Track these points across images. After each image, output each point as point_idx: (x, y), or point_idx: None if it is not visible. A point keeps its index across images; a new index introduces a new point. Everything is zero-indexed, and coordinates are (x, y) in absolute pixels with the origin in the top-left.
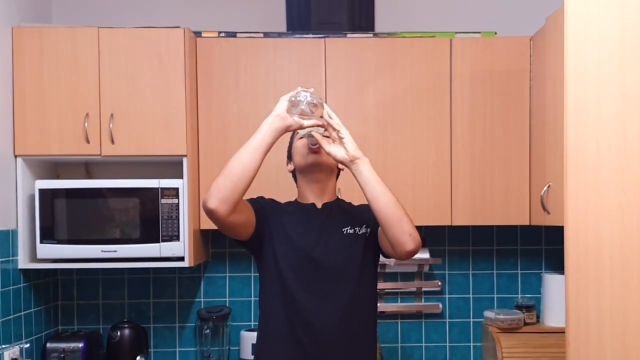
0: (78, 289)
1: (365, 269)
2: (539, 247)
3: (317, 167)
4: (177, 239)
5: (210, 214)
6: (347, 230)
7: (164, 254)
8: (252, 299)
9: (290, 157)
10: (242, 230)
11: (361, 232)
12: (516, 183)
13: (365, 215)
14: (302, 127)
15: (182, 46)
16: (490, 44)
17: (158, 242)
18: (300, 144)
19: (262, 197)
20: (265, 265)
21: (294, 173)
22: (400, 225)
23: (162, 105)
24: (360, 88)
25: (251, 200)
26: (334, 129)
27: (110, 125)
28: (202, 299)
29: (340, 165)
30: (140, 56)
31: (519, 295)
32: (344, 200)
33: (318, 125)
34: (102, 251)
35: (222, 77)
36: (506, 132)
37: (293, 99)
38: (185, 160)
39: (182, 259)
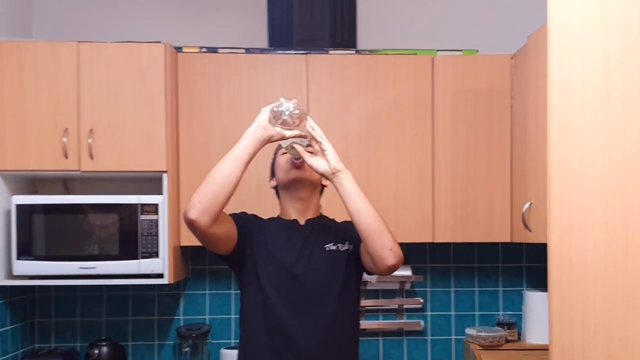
0: (55, 306)
1: (348, 286)
2: (520, 264)
3: (300, 182)
4: (157, 255)
5: (191, 224)
6: (329, 246)
7: (143, 271)
8: (233, 316)
9: (273, 174)
10: (223, 244)
11: (343, 248)
12: (498, 200)
13: (348, 231)
14: (284, 138)
15: (163, 61)
16: (472, 61)
17: (137, 258)
18: (282, 160)
19: (244, 213)
20: (246, 280)
21: (276, 189)
22: (381, 239)
23: (142, 120)
24: (343, 104)
25: (233, 215)
26: (317, 141)
27: (90, 140)
28: (181, 317)
29: (324, 181)
30: (121, 71)
31: (501, 313)
32: (327, 217)
33: (300, 136)
34: (80, 268)
35: (204, 92)
36: (488, 149)
37: (275, 109)
38: (165, 176)
39: (161, 275)
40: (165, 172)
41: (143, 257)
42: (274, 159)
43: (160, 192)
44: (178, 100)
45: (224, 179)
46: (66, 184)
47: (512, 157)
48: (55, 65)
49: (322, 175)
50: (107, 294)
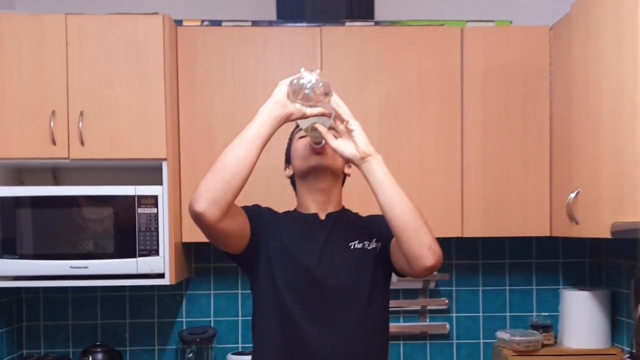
0: (45, 309)
1: (376, 290)
2: (556, 260)
3: (321, 171)
4: (156, 253)
5: (198, 218)
6: (354, 244)
7: (141, 271)
8: (240, 318)
9: (288, 161)
10: (235, 241)
11: (371, 246)
12: (535, 189)
13: (375, 227)
14: (304, 116)
15: (161, 36)
16: (505, 34)
17: (134, 257)
18: (300, 145)
19: (257, 205)
20: (260, 284)
21: (292, 179)
22: (418, 236)
23: (138, 102)
24: (361, 84)
25: (245, 207)
26: (342, 120)
27: (80, 124)
28: (184, 319)
29: (346, 170)
30: (114, 47)
31: (534, 314)
32: (350, 211)
33: (323, 115)
34: (70, 267)
35: (206, 70)
36: (524, 132)
37: (295, 82)
38: (165, 164)
39: (161, 275)
40: (165, 159)
41: (141, 256)
42: (290, 144)
43: (159, 183)
44: (178, 79)
45: (236, 165)
46: (55, 174)
47: (552, 140)
48: (40, 40)
49: (349, 160)
50: (101, 295)
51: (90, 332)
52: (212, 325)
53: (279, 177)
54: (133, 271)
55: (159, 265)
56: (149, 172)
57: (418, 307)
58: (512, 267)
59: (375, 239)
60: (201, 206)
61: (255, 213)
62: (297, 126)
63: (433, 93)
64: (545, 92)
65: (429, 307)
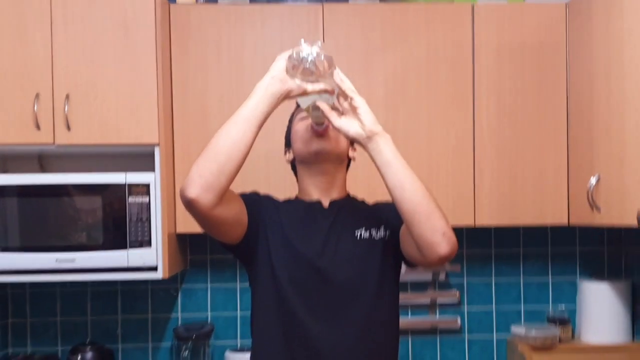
0: (31, 305)
1: (385, 281)
2: (573, 248)
3: (324, 155)
4: (148, 245)
5: (190, 205)
6: (361, 233)
7: (133, 264)
8: (239, 313)
9: (288, 144)
10: (231, 230)
11: (379, 235)
12: (552, 175)
13: (383, 214)
14: (305, 93)
15: (153, 13)
16: (519, 11)
17: (125, 249)
18: (301, 127)
19: (255, 192)
20: (259, 277)
21: (293, 164)
22: (430, 222)
23: (128, 84)
24: (366, 63)
25: (243, 194)
26: (347, 97)
27: (66, 108)
28: (179, 315)
29: (351, 154)
30: (102, 25)
31: (551, 307)
32: (355, 197)
33: (325, 92)
34: (56, 260)
35: (201, 51)
36: (539, 113)
37: (294, 55)
38: (157, 150)
39: (154, 269)
40: (157, 145)
41: (132, 247)
42: (290, 126)
43: (151, 170)
44: (171, 60)
45: (231, 147)
46: (42, 161)
47: (569, 123)
48: (22, 18)
49: (354, 140)
50: (91, 290)
51: (80, 329)
52: (209, 320)
53: (280, 162)
54: (123, 264)
55: (151, 258)
56: (141, 158)
57: (427, 301)
58: (526, 257)
59: (383, 227)
60: (193, 192)
61: (253, 200)
62: (298, 106)
63: (442, 73)
64: (562, 72)
65: (439, 301)
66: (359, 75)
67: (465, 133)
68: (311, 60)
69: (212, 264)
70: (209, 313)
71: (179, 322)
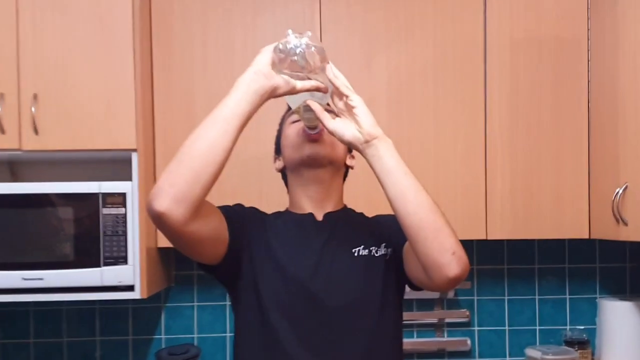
0: (1, 326)
1: (387, 306)
2: (593, 264)
3: (317, 161)
4: (124, 261)
5: (159, 220)
6: (359, 250)
7: (107, 282)
8: (228, 335)
9: (278, 151)
10: (209, 249)
11: (379, 252)
12: (571, 184)
13: (384, 229)
14: (294, 91)
15: (130, 4)
16: (536, 2)
17: (99, 266)
18: (292, 131)
19: (239, 205)
20: (242, 302)
21: (283, 172)
22: (438, 239)
23: (103, 82)
24: (367, 60)
25: (223, 208)
26: (342, 95)
27: (33, 109)
28: (162, 336)
29: (348, 161)
30: (74, 17)
31: (568, 327)
32: (352, 210)
33: (318, 90)
34: (23, 279)
35: (186, 46)
36: (557, 116)
37: (281, 47)
38: (135, 156)
39: (131, 288)
40: (135, 150)
41: (106, 265)
42: (280, 130)
43: (128, 178)
44: (152, 55)
45: (208, 151)
46: (13, 169)
47: (591, 126)
48: None
49: (350, 145)
50: (67, 309)
51: (55, 352)
52: (195, 343)
53: (271, 170)
54: (97, 283)
55: (127, 276)
56: (117, 165)
57: (435, 320)
58: (541, 273)
59: (384, 244)
60: (163, 204)
61: (235, 214)
62: (289, 109)
63: (451, 72)
64: (583, 70)
65: (447, 320)
66: (359, 75)
67: (476, 138)
68: (300, 53)
69: (199, 281)
70: (196, 335)
71: (163, 345)
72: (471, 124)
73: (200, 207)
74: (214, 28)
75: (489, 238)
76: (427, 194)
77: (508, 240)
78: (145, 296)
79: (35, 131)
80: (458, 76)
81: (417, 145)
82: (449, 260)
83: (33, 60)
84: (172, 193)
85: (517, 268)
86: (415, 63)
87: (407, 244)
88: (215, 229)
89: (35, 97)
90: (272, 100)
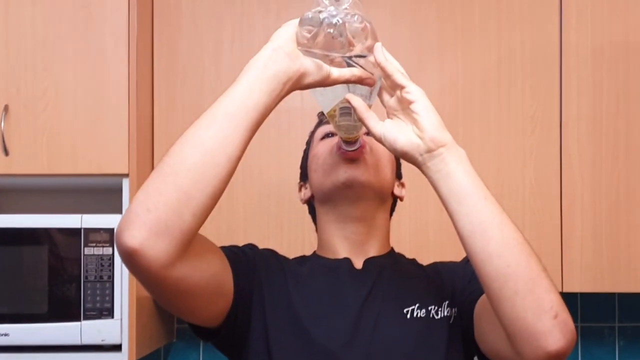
0: None
1: None
2: None
3: (356, 189)
4: (110, 314)
5: (131, 258)
6: (413, 311)
7: (88, 341)
8: None
9: (305, 177)
10: (204, 305)
11: (441, 314)
12: None
13: (446, 281)
14: (328, 81)
15: None
16: (624, 5)
17: (78, 320)
18: (324, 149)
19: (251, 245)
20: None
21: (311, 204)
22: (533, 295)
23: (89, 92)
24: (416, 68)
25: (227, 248)
26: (396, 85)
27: (2, 124)
28: None
29: (397, 191)
30: (56, 12)
31: None
32: (403, 255)
33: (361, 81)
34: None
35: (193, 49)
36: None
37: (310, 16)
38: (126, 182)
39: (117, 347)
40: (127, 176)
41: (87, 318)
42: (307, 150)
43: (117, 211)
44: (153, 61)
45: (201, 162)
46: None
47: None
48: None
49: (405, 156)
50: None
51: None
52: None
53: (299, 202)
54: (76, 342)
55: (113, 333)
56: (103, 194)
57: None
58: (623, 332)
59: (447, 302)
60: (136, 237)
61: (243, 257)
62: (319, 122)
63: (519, 83)
64: None
65: None
66: None
67: (550, 164)
68: (337, 24)
69: None
70: None
71: None
72: (543, 147)
73: (191, 243)
74: (229, 28)
75: (564, 291)
76: (516, 228)
77: (581, 294)
78: (134, 358)
79: (5, 152)
80: (527, 89)
81: (476, 168)
82: (549, 326)
83: (5, 66)
84: (150, 221)
85: (593, 327)
86: (475, 72)
87: (481, 300)
88: (213, 277)
89: (6, 109)
90: (299, 110)
